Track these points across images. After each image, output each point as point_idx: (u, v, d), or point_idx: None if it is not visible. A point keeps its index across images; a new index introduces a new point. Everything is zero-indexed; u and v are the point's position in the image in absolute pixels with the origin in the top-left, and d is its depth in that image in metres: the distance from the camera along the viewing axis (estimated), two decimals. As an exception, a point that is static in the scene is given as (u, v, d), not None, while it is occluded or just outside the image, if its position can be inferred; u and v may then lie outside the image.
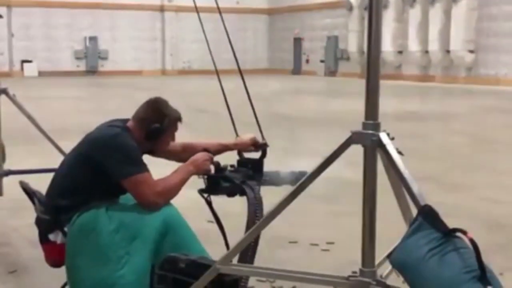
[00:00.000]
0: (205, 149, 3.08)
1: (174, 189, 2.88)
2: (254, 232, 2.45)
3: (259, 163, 3.11)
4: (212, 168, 3.00)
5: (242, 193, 2.93)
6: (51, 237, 2.92)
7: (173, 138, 3.11)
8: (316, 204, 5.29)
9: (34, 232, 3.03)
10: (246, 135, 3.26)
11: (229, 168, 3.05)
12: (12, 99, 5.27)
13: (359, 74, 28.57)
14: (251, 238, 2.54)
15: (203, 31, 3.45)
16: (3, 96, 5.25)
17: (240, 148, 3.22)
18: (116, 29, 35.54)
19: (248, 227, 2.74)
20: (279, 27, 38.46)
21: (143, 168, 2.86)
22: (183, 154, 3.25)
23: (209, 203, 3.02)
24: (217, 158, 3.09)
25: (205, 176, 2.98)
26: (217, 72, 3.32)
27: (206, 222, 3.50)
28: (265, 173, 3.10)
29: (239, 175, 3.00)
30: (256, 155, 3.18)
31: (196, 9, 3.46)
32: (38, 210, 2.97)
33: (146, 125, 2.97)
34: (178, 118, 3.06)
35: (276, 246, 4.32)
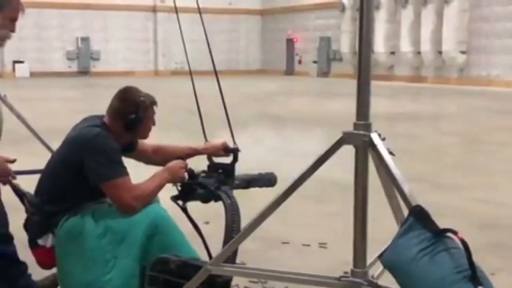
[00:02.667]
0: (178, 157, 3.06)
1: (150, 195, 2.86)
2: (246, 233, 2.44)
3: (230, 167, 3.09)
4: (186, 175, 2.98)
5: (217, 199, 2.93)
6: (40, 241, 2.91)
7: (153, 123, 3.06)
8: (308, 204, 5.29)
9: (25, 233, 3.01)
10: (217, 140, 3.24)
11: (201, 174, 3.03)
12: (3, 100, 5.24)
13: (351, 75, 28.55)
14: (243, 239, 2.54)
15: (181, 32, 3.41)
16: (-6, 97, 5.22)
17: (211, 153, 3.20)
18: (108, 30, 35.46)
19: (226, 232, 2.73)
20: (272, 28, 38.46)
21: (123, 171, 2.83)
22: (153, 156, 3.26)
23: (184, 210, 2.99)
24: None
25: (179, 184, 2.97)
26: (190, 73, 3.31)
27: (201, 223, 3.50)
28: (235, 177, 3.10)
29: (212, 180, 2.98)
30: (226, 159, 3.16)
31: (176, 10, 3.44)
32: (29, 212, 2.96)
33: (123, 118, 2.93)
34: (153, 103, 3.03)
35: (268, 247, 4.32)
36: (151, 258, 2.74)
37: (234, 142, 3.19)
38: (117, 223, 2.78)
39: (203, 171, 3.06)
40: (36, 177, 3.06)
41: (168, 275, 2.65)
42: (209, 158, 3.18)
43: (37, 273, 3.28)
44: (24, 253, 3.10)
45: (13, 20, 3.05)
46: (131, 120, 2.93)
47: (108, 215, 2.83)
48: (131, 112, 2.93)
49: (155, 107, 3.05)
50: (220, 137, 3.26)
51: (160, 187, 2.91)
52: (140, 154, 3.23)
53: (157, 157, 3.24)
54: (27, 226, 2.99)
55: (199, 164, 3.14)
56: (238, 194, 3.06)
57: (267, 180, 3.21)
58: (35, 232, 2.93)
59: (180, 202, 2.98)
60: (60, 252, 2.84)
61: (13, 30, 3.06)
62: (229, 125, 3.17)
